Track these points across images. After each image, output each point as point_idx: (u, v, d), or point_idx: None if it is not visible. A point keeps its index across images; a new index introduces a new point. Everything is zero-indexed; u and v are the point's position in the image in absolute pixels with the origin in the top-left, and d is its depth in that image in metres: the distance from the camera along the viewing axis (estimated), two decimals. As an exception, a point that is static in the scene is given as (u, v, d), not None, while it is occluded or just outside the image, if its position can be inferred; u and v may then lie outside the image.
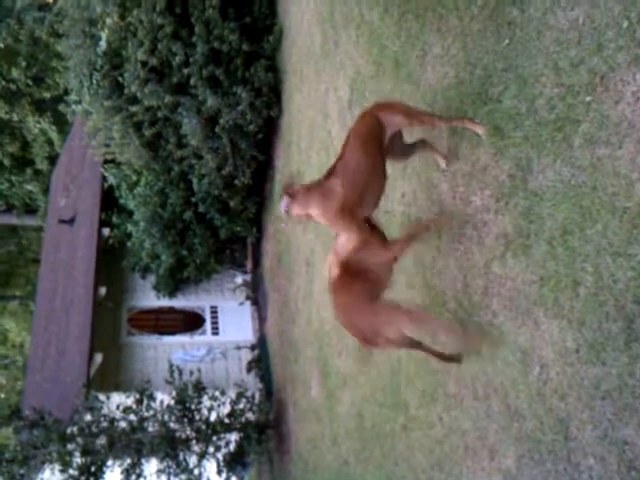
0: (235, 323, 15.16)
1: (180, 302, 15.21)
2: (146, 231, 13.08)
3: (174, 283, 14.59)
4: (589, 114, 3.43)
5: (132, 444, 10.39)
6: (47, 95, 23.29)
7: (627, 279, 3.15)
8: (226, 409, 11.44)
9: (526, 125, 3.94)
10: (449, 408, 5.00)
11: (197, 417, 11.03)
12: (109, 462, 10.42)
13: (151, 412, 10.73)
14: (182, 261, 13.75)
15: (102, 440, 10.32)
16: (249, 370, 13.74)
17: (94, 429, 10.42)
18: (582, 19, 3.48)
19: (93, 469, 10.19)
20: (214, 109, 10.96)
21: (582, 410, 3.46)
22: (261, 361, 13.80)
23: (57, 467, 10.15)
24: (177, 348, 14.46)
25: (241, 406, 11.60)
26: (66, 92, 15.34)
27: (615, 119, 3.25)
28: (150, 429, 10.66)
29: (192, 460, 10.77)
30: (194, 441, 10.89)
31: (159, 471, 10.56)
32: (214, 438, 11.02)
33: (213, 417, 11.17)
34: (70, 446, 10.22)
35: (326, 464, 8.74)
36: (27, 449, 10.22)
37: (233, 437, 11.37)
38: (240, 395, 11.73)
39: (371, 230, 4.48)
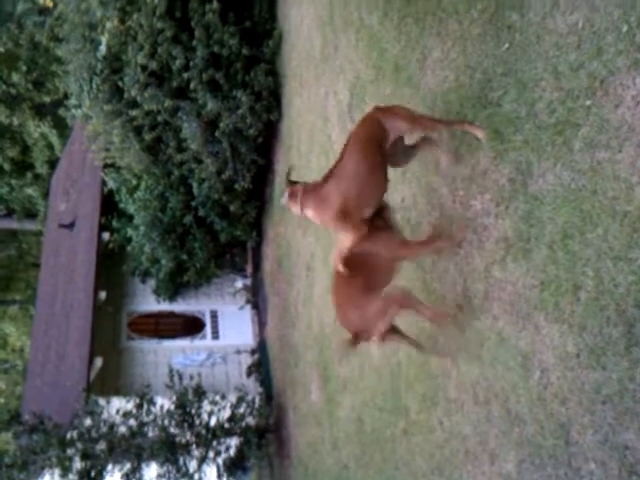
0: (235, 327, 15.14)
1: (180, 306, 15.19)
2: (146, 235, 13.07)
3: (174, 287, 14.58)
4: (589, 118, 3.42)
5: (132, 449, 10.37)
6: (47, 99, 23.31)
7: (628, 283, 3.15)
8: (226, 413, 11.42)
9: (526, 129, 3.94)
10: (450, 412, 4.99)
11: (197, 422, 11.01)
12: (109, 467, 10.39)
13: (151, 417, 10.71)
14: (182, 265, 13.73)
15: (102, 445, 10.30)
16: (249, 374, 13.72)
17: (94, 434, 10.40)
18: (581, 23, 3.48)
19: (93, 474, 10.17)
20: (214, 113, 10.97)
21: (583, 415, 3.45)
22: (261, 365, 13.78)
23: (57, 472, 10.13)
24: (177, 352, 14.44)
25: (241, 410, 11.58)
26: (66, 96, 15.34)
27: (615, 123, 3.25)
28: (150, 434, 10.64)
29: (192, 465, 10.75)
30: (194, 446, 10.86)
31: (159, 476, 10.53)
32: (214, 443, 11.00)
33: (213, 422, 11.15)
34: (70, 451, 10.19)
35: (326, 468, 8.72)
36: (27, 454, 10.20)
37: (233, 442, 11.35)
38: (240, 399, 11.71)
39: (386, 228, 4.58)
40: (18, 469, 10.07)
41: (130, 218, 13.74)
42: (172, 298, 14.83)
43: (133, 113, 11.18)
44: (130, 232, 13.59)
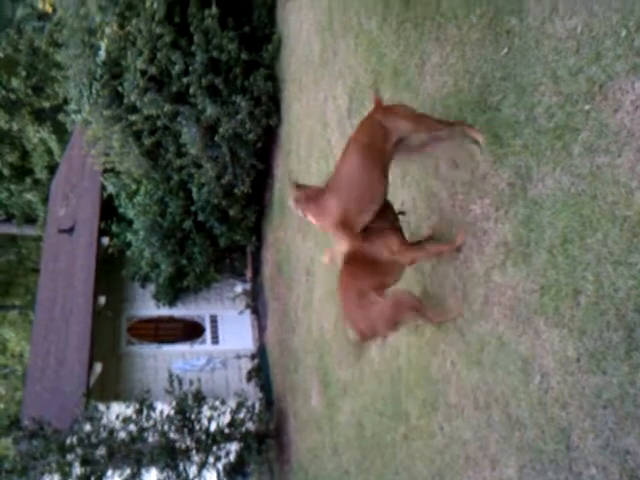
0: (235, 332, 15.12)
1: (180, 311, 15.17)
2: (146, 240, 13.07)
3: (174, 292, 14.57)
4: (588, 122, 3.43)
5: (132, 454, 10.34)
6: (47, 104, 23.30)
7: (628, 288, 3.15)
8: (226, 419, 11.39)
9: (525, 133, 3.94)
10: (450, 418, 4.98)
11: (197, 427, 10.98)
12: (109, 472, 10.35)
13: (151, 422, 10.68)
14: (182, 270, 13.73)
15: (102, 450, 10.27)
16: (249, 379, 13.70)
17: (94, 439, 10.37)
18: (580, 28, 3.48)
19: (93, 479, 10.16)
20: (213, 118, 10.97)
21: (583, 419, 3.45)
22: (261, 370, 13.76)
23: (56, 478, 10.10)
24: (177, 357, 14.42)
25: (241, 416, 11.55)
26: (66, 101, 15.37)
27: (614, 127, 3.25)
28: (150, 439, 10.61)
29: (192, 470, 10.72)
30: (194, 451, 10.83)
31: (159, 481, 10.52)
32: (214, 448, 10.97)
33: (213, 427, 11.12)
34: (69, 456, 10.16)
35: (327, 474, 8.70)
36: (26, 459, 10.16)
37: (233, 447, 11.32)
38: (240, 405, 11.68)
39: (388, 231, 4.61)
40: (18, 475, 10.03)
41: (129, 223, 13.74)
42: (172, 303, 14.82)
43: (133, 118, 11.19)
44: (130, 237, 13.58)
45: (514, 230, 4.07)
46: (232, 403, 11.76)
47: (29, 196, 24.72)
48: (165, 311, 14.95)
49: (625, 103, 3.19)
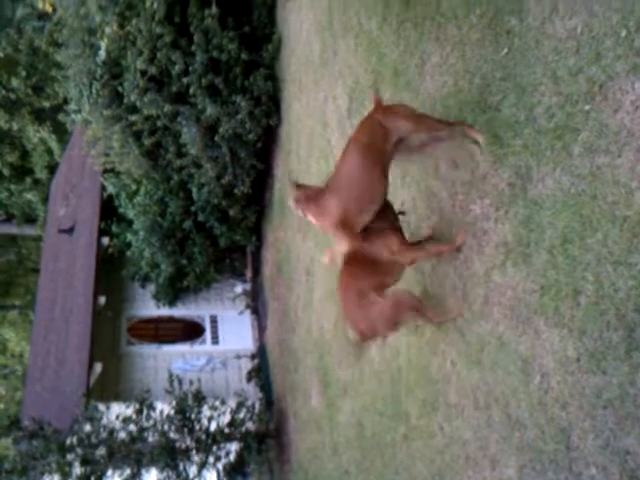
0: (235, 332, 15.13)
1: (180, 311, 15.17)
2: (146, 240, 13.07)
3: (174, 292, 14.57)
4: (588, 123, 3.43)
5: (132, 454, 10.34)
6: (47, 104, 23.30)
7: (628, 288, 3.15)
8: (226, 419, 11.39)
9: (525, 133, 3.94)
10: (450, 418, 4.98)
11: (197, 427, 10.98)
12: (109, 472, 10.35)
13: (151, 422, 10.68)
14: (182, 270, 13.73)
15: (102, 450, 10.27)
16: (249, 379, 13.70)
17: (93, 439, 10.36)
18: (580, 28, 3.48)
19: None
20: (213, 118, 10.97)
21: (583, 419, 3.45)
22: (261, 370, 13.76)
23: (56, 478, 10.10)
24: (177, 357, 14.42)
25: (241, 416, 11.54)
26: (66, 101, 15.36)
27: (614, 128, 3.25)
28: (150, 439, 10.60)
29: (192, 470, 10.71)
30: (194, 451, 10.83)
31: (159, 481, 10.52)
32: (214, 448, 10.97)
33: (213, 427, 11.12)
34: (69, 456, 10.16)
35: (327, 474, 8.70)
36: (26, 460, 10.16)
37: (233, 447, 11.32)
38: (240, 405, 11.68)
39: (388, 231, 4.63)
40: (18, 475, 10.03)
41: (129, 223, 13.74)
42: (172, 303, 14.82)
43: (132, 118, 11.19)
44: (130, 237, 13.58)
45: (514, 230, 4.07)
46: (232, 403, 11.76)
47: (29, 196, 24.73)
48: (165, 311, 14.96)
49: (625, 103, 3.19)
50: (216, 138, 11.17)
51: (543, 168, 3.77)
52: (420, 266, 5.51)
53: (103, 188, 14.39)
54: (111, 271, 14.56)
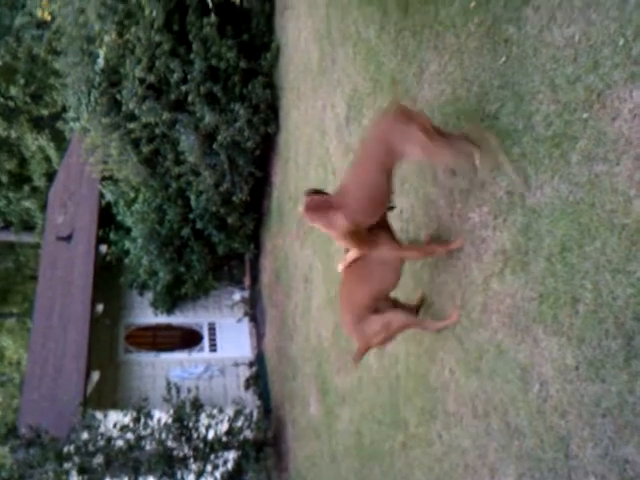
0: (233, 340, 15.11)
1: (178, 319, 15.16)
2: (144, 248, 13.06)
3: (172, 300, 14.55)
4: (586, 131, 3.43)
5: (129, 463, 10.32)
6: (45, 112, 23.33)
7: (626, 296, 3.14)
8: (224, 427, 11.37)
9: (523, 142, 3.95)
10: (448, 426, 4.97)
11: (195, 435, 10.96)
12: (106, 481, 10.35)
13: (148, 430, 10.66)
14: (180, 278, 13.72)
15: (99, 459, 10.25)
16: (247, 387, 13.67)
17: (91, 448, 10.34)
18: (578, 36, 3.49)
19: (90, 488, 10.13)
20: (212, 126, 10.99)
21: (582, 428, 3.44)
22: (259, 378, 13.73)
23: (53, 486, 10.08)
24: (175, 365, 14.40)
25: (239, 424, 11.53)
26: (64, 109, 15.36)
27: (612, 136, 3.25)
28: (147, 447, 10.59)
29: (190, 479, 10.69)
30: (192, 459, 10.81)
31: (156, 490, 10.49)
32: (212, 456, 10.94)
33: (211, 435, 11.10)
34: (67, 465, 10.14)
35: (325, 482, 8.68)
36: (23, 468, 10.14)
37: (231, 455, 11.30)
38: (238, 413, 11.66)
39: (384, 231, 4.70)
40: (15, 483, 10.02)
41: (128, 231, 13.73)
42: (170, 311, 14.80)
43: (131, 126, 11.20)
44: (128, 244, 13.58)
45: (512, 238, 4.07)
46: (230, 411, 11.75)
47: (27, 204, 24.72)
48: (163, 319, 14.94)
49: (623, 111, 3.19)
50: (214, 146, 11.18)
51: (541, 176, 3.77)
52: (419, 274, 5.51)
53: (101, 196, 14.40)
54: (109, 279, 14.55)
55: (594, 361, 3.35)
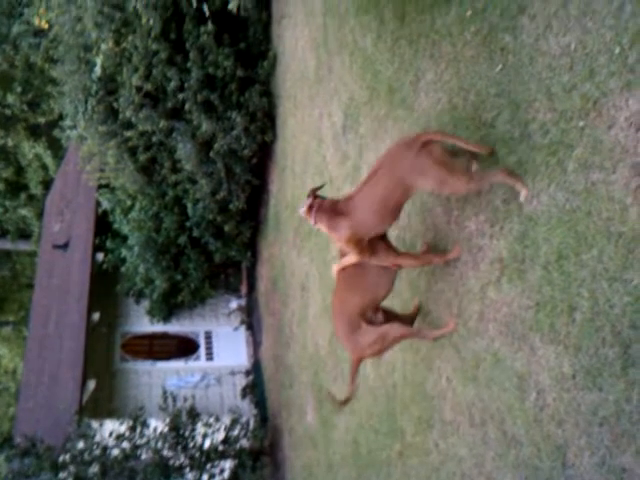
0: (229, 348, 15.08)
1: (174, 327, 15.13)
2: (140, 256, 13.05)
3: (168, 308, 14.54)
4: (582, 139, 3.43)
5: (125, 472, 10.27)
6: (42, 120, 23.33)
7: (623, 304, 3.14)
8: (220, 436, 11.33)
9: (520, 150, 3.95)
10: (445, 435, 4.95)
11: (191, 444, 10.92)
12: (101, 490, 10.29)
13: (144, 439, 10.62)
14: (176, 286, 13.70)
15: (95, 468, 10.20)
16: (244, 396, 13.64)
17: (86, 457, 10.29)
18: (574, 45, 3.50)
19: (85, 497, 10.07)
20: (209, 134, 10.99)
21: (579, 436, 3.43)
22: (256, 387, 13.70)
23: (49, 495, 10.02)
24: (171, 374, 14.36)
25: (236, 433, 11.49)
26: (61, 117, 15.36)
27: (608, 144, 3.26)
28: (143, 456, 10.54)
29: (186, 488, 10.66)
30: (188, 469, 10.76)
31: (152, 499, 10.42)
32: (208, 465, 10.90)
33: (207, 444, 11.06)
34: (62, 474, 10.09)
35: (321, 491, 8.64)
36: (18, 478, 10.08)
37: (227, 464, 11.25)
38: (234, 421, 11.63)
39: (381, 239, 4.67)
40: (9, 493, 9.97)
41: (124, 239, 13.72)
42: (166, 319, 14.78)
43: (128, 134, 11.21)
44: (124, 252, 13.57)
45: (509, 246, 4.06)
46: (226, 420, 11.71)
47: (24, 211, 24.69)
48: (159, 327, 14.91)
49: (619, 120, 3.20)
50: (211, 154, 11.19)
51: (538, 184, 3.77)
52: (415, 282, 5.50)
53: (98, 204, 14.41)
54: (105, 287, 14.53)
55: (591, 369, 3.34)
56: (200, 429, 11.12)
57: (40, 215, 22.61)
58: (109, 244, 14.04)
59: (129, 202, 13.47)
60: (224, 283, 15.53)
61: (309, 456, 9.35)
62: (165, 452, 10.61)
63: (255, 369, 14.01)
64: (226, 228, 12.91)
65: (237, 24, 11.24)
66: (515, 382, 3.97)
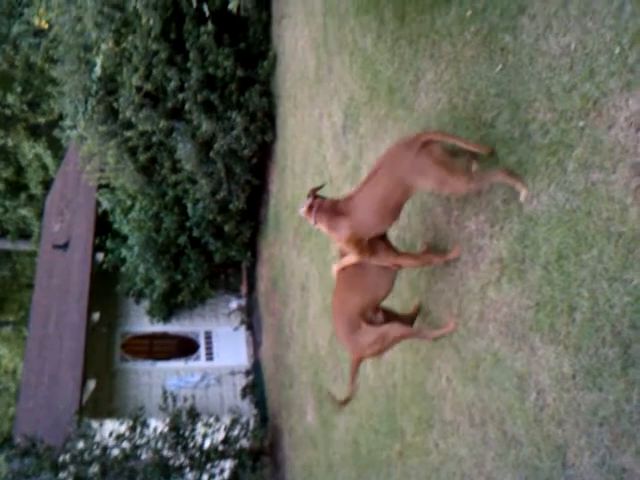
0: (229, 348, 15.08)
1: (174, 327, 15.13)
2: (140, 256, 13.05)
3: (168, 308, 14.53)
4: (583, 139, 3.43)
5: (125, 472, 10.26)
6: (42, 120, 23.33)
7: (623, 304, 3.14)
8: (220, 436, 11.32)
9: (520, 150, 3.95)
10: (445, 435, 4.95)
11: (191, 444, 10.91)
12: (101, 490, 10.29)
13: (144, 439, 10.61)
14: (176, 286, 13.70)
15: (95, 468, 10.19)
16: (244, 396, 13.64)
17: (86, 457, 10.29)
18: (574, 45, 3.50)
19: (85, 498, 10.07)
20: (209, 134, 10.99)
21: (579, 436, 3.43)
22: (256, 386, 13.70)
23: (49, 496, 10.02)
24: (171, 374, 14.36)
25: (235, 433, 11.48)
26: (61, 117, 15.36)
27: (608, 144, 3.26)
28: (143, 456, 10.53)
29: (186, 488, 10.65)
30: (188, 469, 10.76)
31: (152, 499, 10.42)
32: (208, 466, 10.90)
33: (207, 444, 11.06)
34: (62, 474, 10.09)
35: (321, 491, 8.64)
36: (18, 478, 10.08)
37: (227, 464, 11.25)
38: (234, 421, 11.62)
39: (381, 239, 4.67)
40: (9, 493, 9.97)
41: (124, 238, 13.72)
42: (166, 319, 14.78)
43: (128, 134, 11.21)
44: (124, 252, 13.57)
45: (509, 246, 4.06)
46: (226, 420, 11.70)
47: (24, 211, 24.68)
48: (159, 327, 14.91)
49: (619, 120, 3.19)
50: (211, 154, 11.18)
51: (538, 184, 3.77)
52: (416, 282, 5.50)
53: (98, 204, 14.40)
54: (105, 287, 14.53)
55: (591, 369, 3.34)
56: (200, 429, 11.11)
57: (40, 215, 22.61)
58: (109, 244, 14.04)
59: (129, 202, 13.47)
60: (224, 283, 15.53)
61: (309, 456, 9.35)
62: (165, 452, 10.61)
63: (255, 369, 14.01)
64: (226, 228, 12.91)
65: (237, 24, 11.24)
66: (515, 382, 3.97)
